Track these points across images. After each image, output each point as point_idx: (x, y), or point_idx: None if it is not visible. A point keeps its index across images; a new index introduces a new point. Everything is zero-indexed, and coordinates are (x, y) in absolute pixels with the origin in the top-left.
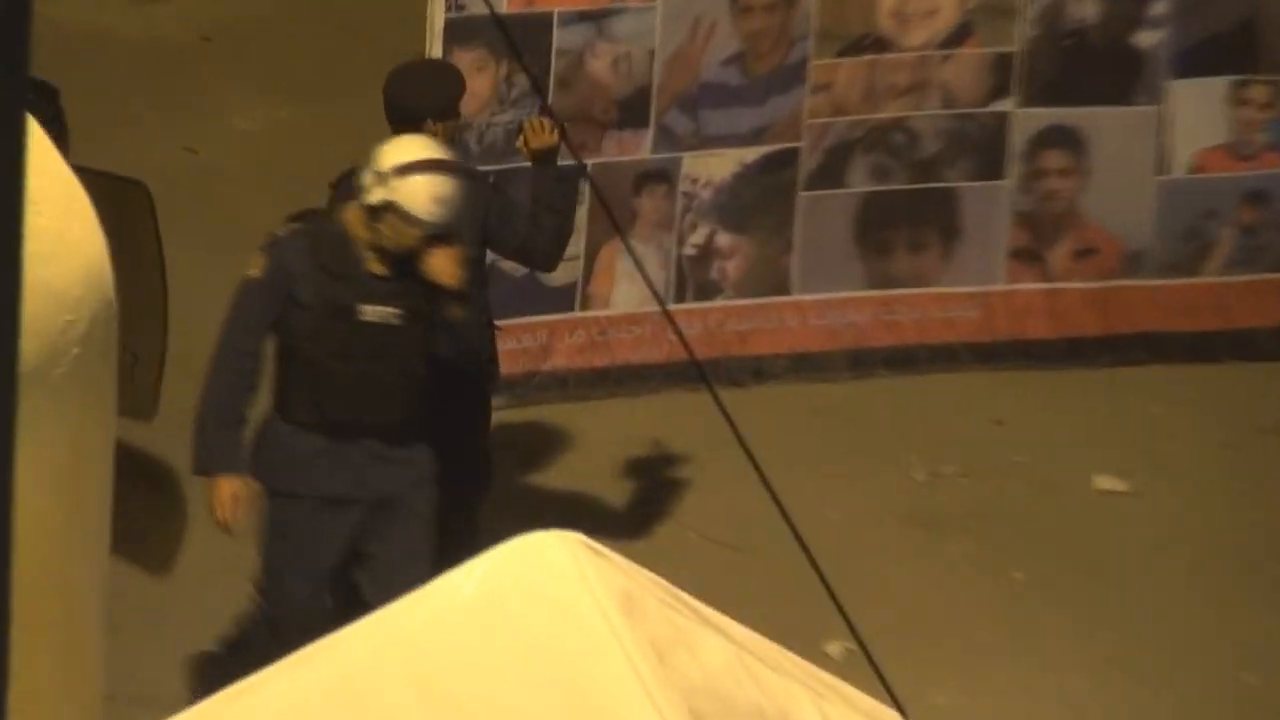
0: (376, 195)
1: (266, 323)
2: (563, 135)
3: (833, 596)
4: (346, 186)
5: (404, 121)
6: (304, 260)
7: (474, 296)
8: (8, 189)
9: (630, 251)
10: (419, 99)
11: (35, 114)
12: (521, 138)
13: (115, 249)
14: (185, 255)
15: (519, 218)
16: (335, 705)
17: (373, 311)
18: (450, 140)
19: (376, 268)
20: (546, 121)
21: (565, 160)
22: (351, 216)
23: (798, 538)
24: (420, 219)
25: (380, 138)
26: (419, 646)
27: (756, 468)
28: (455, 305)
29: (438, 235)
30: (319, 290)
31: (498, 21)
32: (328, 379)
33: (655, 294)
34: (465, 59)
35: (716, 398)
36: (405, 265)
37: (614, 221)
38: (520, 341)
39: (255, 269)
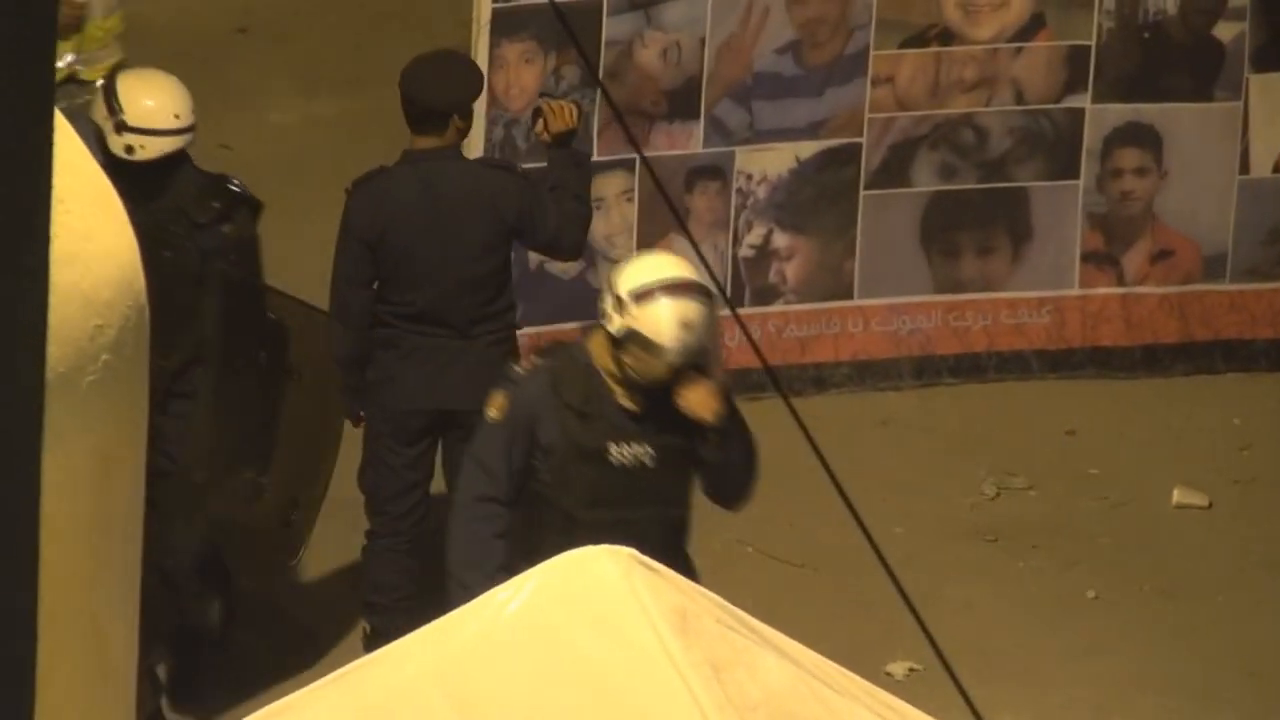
0: (616, 324)
1: (510, 469)
2: (579, 116)
3: (915, 614)
4: (364, 189)
5: (427, 119)
6: (547, 399)
7: (505, 312)
8: (35, 187)
9: (695, 248)
10: (446, 95)
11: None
12: (541, 121)
13: (297, 383)
14: None
15: (549, 209)
16: None
17: (624, 452)
18: (462, 138)
19: (626, 403)
20: (566, 104)
21: (614, 154)
22: (597, 347)
23: (879, 556)
24: (665, 347)
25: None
26: (462, 666)
27: (835, 482)
28: (714, 442)
29: (688, 364)
30: (564, 431)
31: (555, 10)
32: (577, 529)
33: (725, 297)
34: (513, 51)
35: (792, 409)
36: (657, 399)
37: (676, 215)
38: None
39: (495, 410)
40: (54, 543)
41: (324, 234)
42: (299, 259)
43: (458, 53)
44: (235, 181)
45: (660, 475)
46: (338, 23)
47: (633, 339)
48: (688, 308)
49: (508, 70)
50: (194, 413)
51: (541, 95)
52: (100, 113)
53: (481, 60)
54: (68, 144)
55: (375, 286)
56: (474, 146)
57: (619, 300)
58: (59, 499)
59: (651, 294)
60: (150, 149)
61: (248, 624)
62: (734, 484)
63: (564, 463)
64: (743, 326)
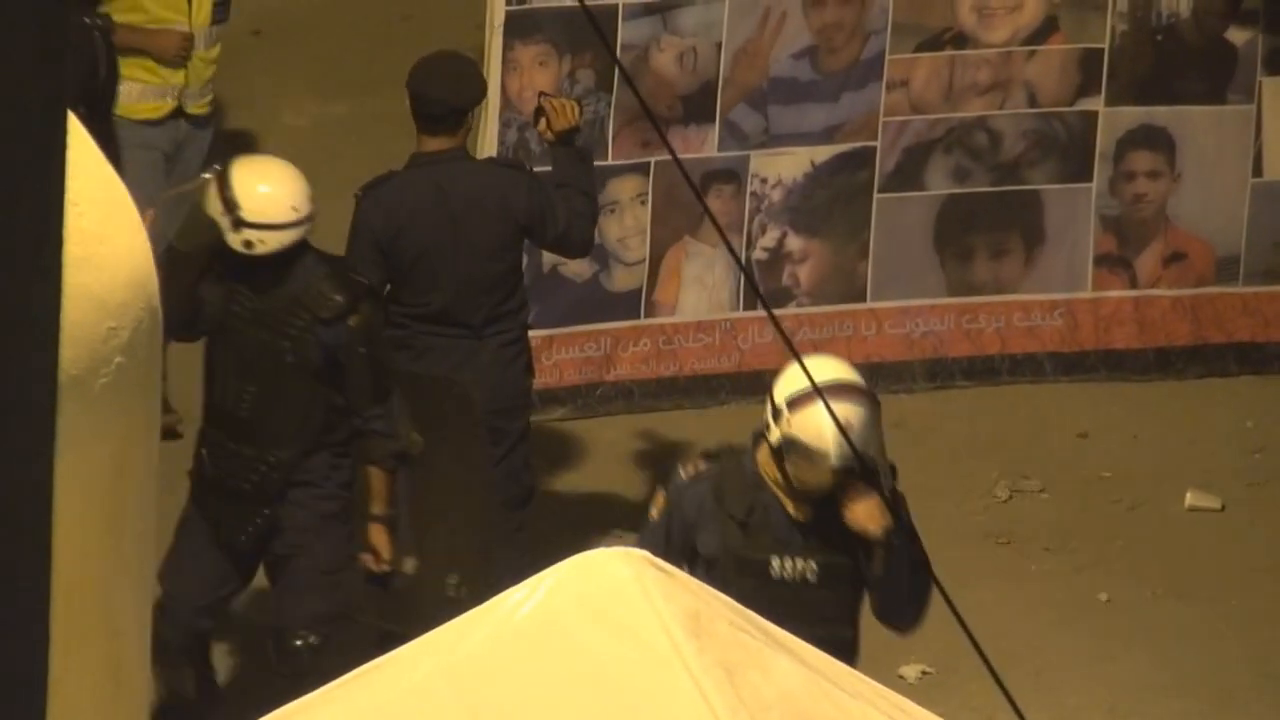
0: (776, 434)
1: None
2: (581, 113)
3: (957, 617)
4: (374, 194)
5: (442, 119)
6: (708, 507)
7: (516, 316)
8: (48, 188)
9: (730, 249)
10: (463, 93)
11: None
12: (543, 120)
13: (441, 461)
14: None
15: (557, 206)
16: None
17: (787, 566)
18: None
19: (794, 515)
20: (568, 101)
21: (629, 157)
22: (762, 458)
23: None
24: (824, 452)
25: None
26: (475, 667)
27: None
28: (881, 559)
29: (853, 473)
30: (725, 541)
31: (585, 10)
32: None
33: (760, 298)
34: (527, 53)
35: (827, 404)
36: (824, 513)
37: (708, 211)
38: (583, 350)
39: (655, 510)
40: (67, 545)
41: (337, 233)
42: None
43: (461, 53)
44: (358, 271)
45: (824, 592)
46: (351, 26)
47: (793, 447)
48: (847, 410)
49: (521, 73)
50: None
51: (541, 95)
52: (215, 207)
53: (495, 63)
54: (81, 146)
55: (386, 289)
56: (487, 149)
57: (777, 409)
58: (72, 502)
59: (808, 398)
60: (269, 243)
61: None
62: (902, 605)
63: (723, 574)
64: (776, 324)
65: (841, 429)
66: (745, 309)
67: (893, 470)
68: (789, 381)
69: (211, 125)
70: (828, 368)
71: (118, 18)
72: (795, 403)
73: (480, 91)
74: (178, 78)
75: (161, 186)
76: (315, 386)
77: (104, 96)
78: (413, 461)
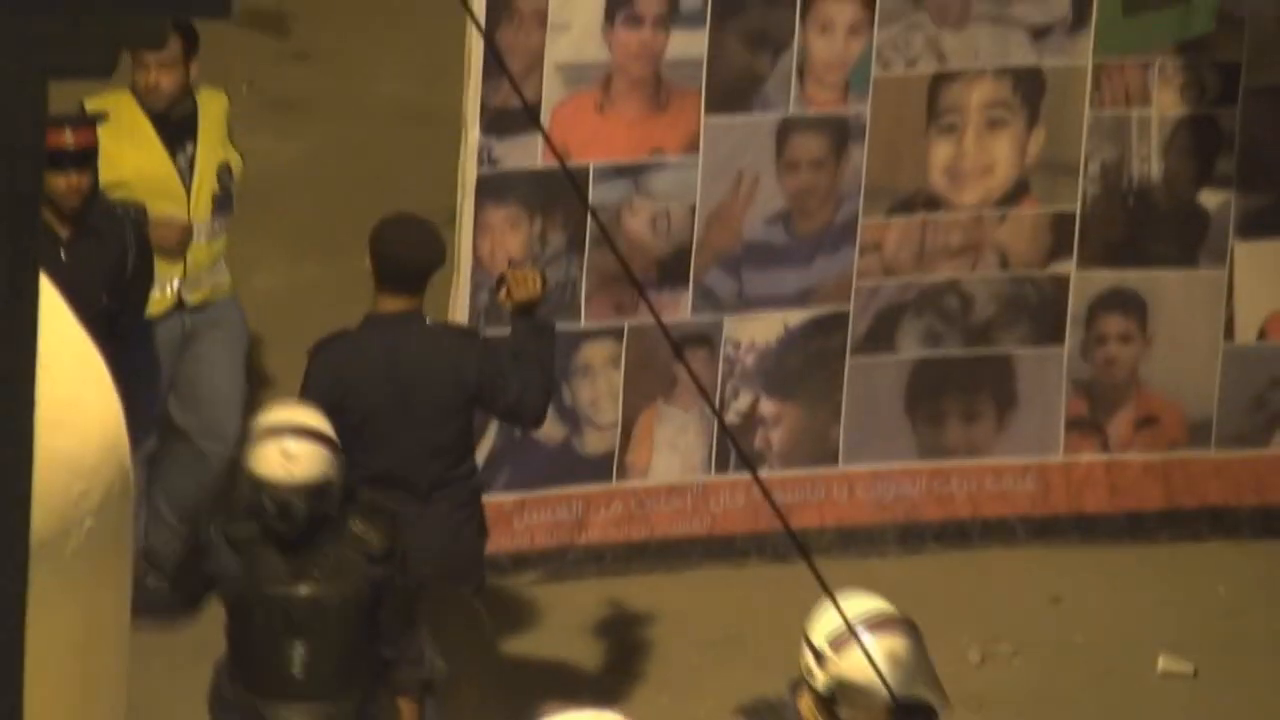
0: (822, 680)
1: None
2: (544, 286)
3: None
4: (326, 352)
5: (398, 280)
6: None
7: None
8: (19, 353)
9: (714, 410)
10: (427, 255)
11: None
12: (504, 289)
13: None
14: None
15: (510, 376)
16: None
17: None
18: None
19: None
20: (530, 273)
21: (602, 320)
22: (806, 709)
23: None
24: (881, 693)
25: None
26: None
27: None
28: None
29: (912, 711)
30: None
31: (564, 170)
32: None
33: (745, 459)
34: (498, 215)
35: (816, 573)
36: None
37: (690, 371)
38: (555, 513)
39: None
40: (36, 710)
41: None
42: None
43: (421, 216)
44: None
45: None
46: (324, 188)
47: (845, 691)
48: (895, 644)
49: (492, 235)
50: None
51: (510, 263)
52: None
53: (466, 225)
54: (50, 307)
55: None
56: (458, 312)
57: (819, 653)
58: (44, 666)
59: (850, 637)
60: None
61: None
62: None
63: None
64: (762, 487)
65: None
66: (717, 472)
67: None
68: (825, 622)
69: (224, 311)
70: (863, 602)
71: None
72: (839, 643)
73: (440, 254)
74: (175, 270)
75: (161, 390)
76: (364, 627)
77: (134, 288)
78: (435, 689)
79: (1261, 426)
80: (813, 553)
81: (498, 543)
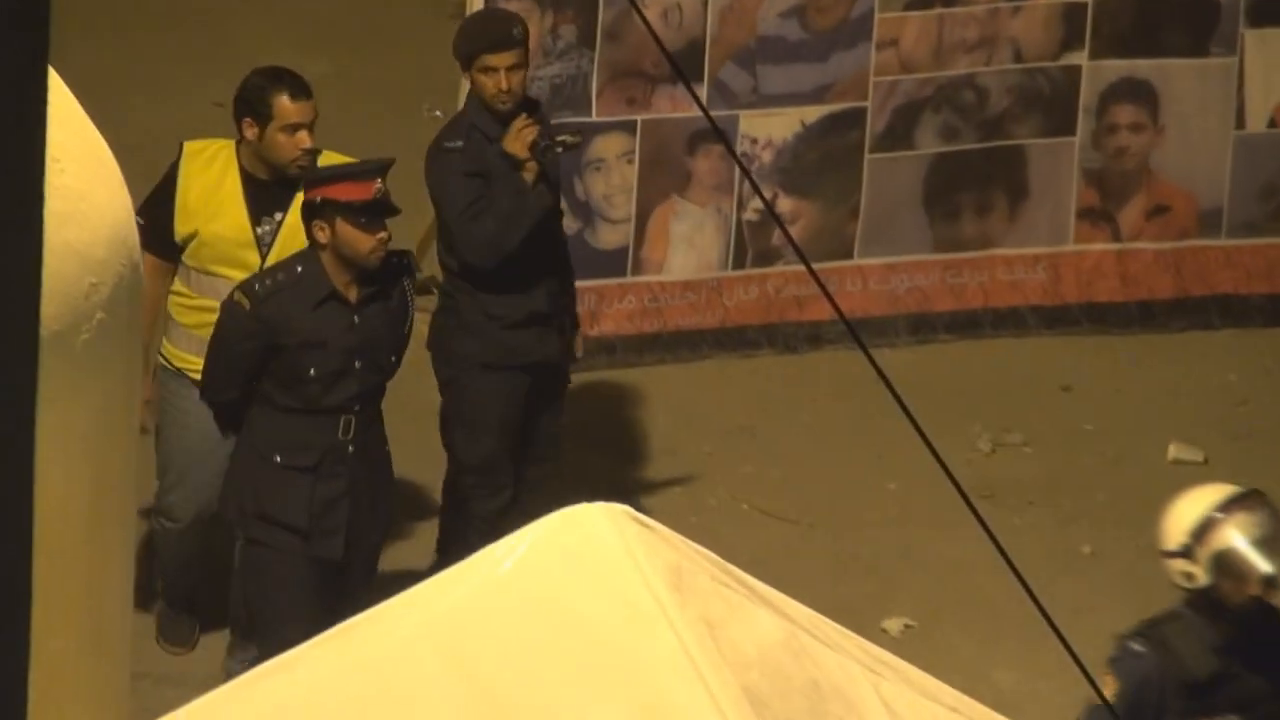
0: (1200, 575)
1: None
2: (560, 146)
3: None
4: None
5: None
6: (1154, 679)
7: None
8: (28, 145)
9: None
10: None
11: None
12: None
13: None
14: None
15: (459, 194)
16: (369, 684)
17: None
18: None
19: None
20: (526, 128)
21: (614, 115)
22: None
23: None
24: (1256, 566)
25: (414, 90)
26: (455, 624)
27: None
28: None
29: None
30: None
31: None
32: None
33: (799, 252)
34: (510, 5)
35: (871, 357)
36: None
37: (739, 162)
38: None
39: (1107, 690)
40: (49, 503)
41: None
42: None
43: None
44: None
45: None
46: None
47: (1223, 574)
48: (1254, 517)
49: None
50: None
51: (524, 115)
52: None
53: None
54: (61, 101)
55: None
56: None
57: (1187, 548)
58: (55, 461)
59: (1213, 523)
60: None
61: None
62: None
63: None
64: (819, 282)
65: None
66: (734, 268)
67: None
68: (1181, 516)
69: None
70: (1208, 491)
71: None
72: (1202, 530)
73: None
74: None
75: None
76: None
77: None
78: None
79: (1272, 214)
80: (823, 343)
81: None
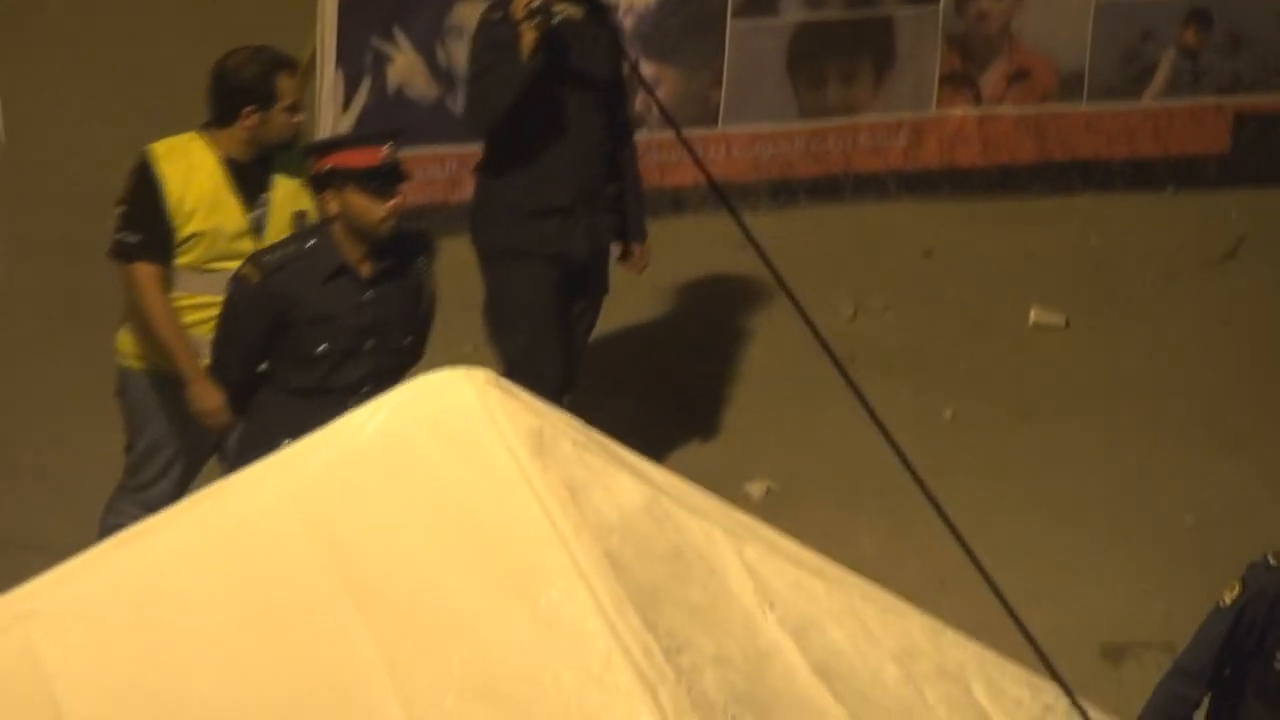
0: None
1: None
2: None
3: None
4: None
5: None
6: None
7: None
8: None
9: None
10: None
11: None
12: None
13: None
14: None
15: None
16: (231, 549)
17: None
18: None
19: None
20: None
21: None
22: None
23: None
24: None
25: None
26: (317, 489)
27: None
28: None
29: None
30: None
31: None
32: None
33: (669, 118)
34: None
35: (742, 223)
36: None
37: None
38: (427, 172)
39: (1228, 594)
40: None
41: None
42: None
43: None
44: None
45: None
46: None
47: None
48: None
49: None
50: None
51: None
52: None
53: None
54: None
55: None
56: None
57: None
58: None
59: None
60: None
61: None
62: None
63: None
64: (689, 149)
65: None
66: None
67: None
68: None
69: None
70: None
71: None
72: None
73: None
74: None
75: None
76: None
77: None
78: None
79: (1133, 79)
80: (686, 209)
81: None
